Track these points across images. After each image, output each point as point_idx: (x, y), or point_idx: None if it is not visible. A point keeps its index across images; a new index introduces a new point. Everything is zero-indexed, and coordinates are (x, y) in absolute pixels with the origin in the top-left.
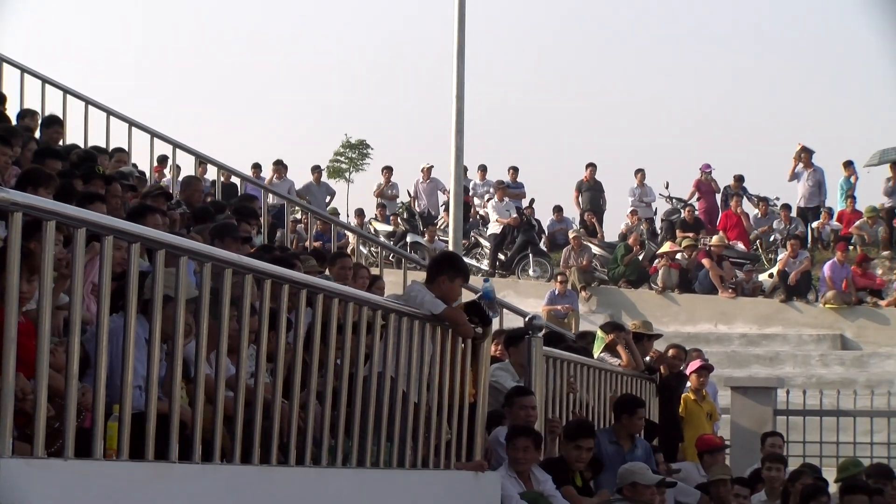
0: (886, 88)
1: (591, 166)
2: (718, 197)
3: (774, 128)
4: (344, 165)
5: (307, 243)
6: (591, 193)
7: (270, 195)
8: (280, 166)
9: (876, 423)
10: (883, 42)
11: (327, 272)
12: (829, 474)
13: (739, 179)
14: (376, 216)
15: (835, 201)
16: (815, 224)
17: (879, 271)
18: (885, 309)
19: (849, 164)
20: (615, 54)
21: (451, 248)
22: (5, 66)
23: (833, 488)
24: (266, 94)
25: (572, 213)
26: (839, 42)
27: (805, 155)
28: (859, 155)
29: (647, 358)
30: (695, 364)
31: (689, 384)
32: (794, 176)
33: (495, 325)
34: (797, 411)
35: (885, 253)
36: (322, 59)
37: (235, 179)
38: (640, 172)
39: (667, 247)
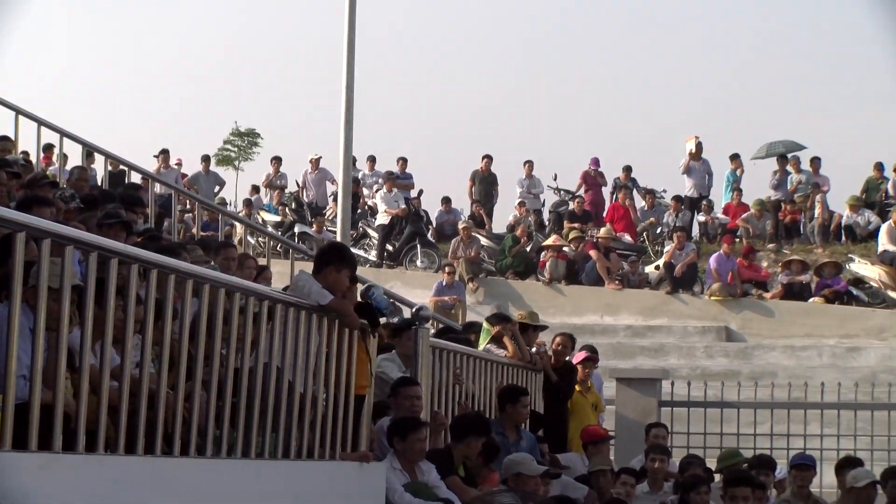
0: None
1: (487, 158)
2: (606, 189)
3: (661, 120)
4: (233, 154)
5: (194, 232)
6: (485, 185)
7: (158, 184)
8: (167, 155)
9: (759, 415)
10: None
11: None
12: (713, 465)
13: (628, 170)
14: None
15: (720, 194)
16: (701, 217)
17: (765, 264)
18: (770, 301)
19: (735, 157)
20: (503, 46)
21: (338, 238)
22: None
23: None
24: (155, 81)
25: (461, 204)
26: (724, 36)
27: (697, 148)
28: (744, 148)
29: (534, 349)
30: (580, 355)
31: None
32: (688, 169)
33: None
34: (682, 402)
35: (771, 246)
36: (211, 46)
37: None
38: (528, 164)
39: (551, 240)
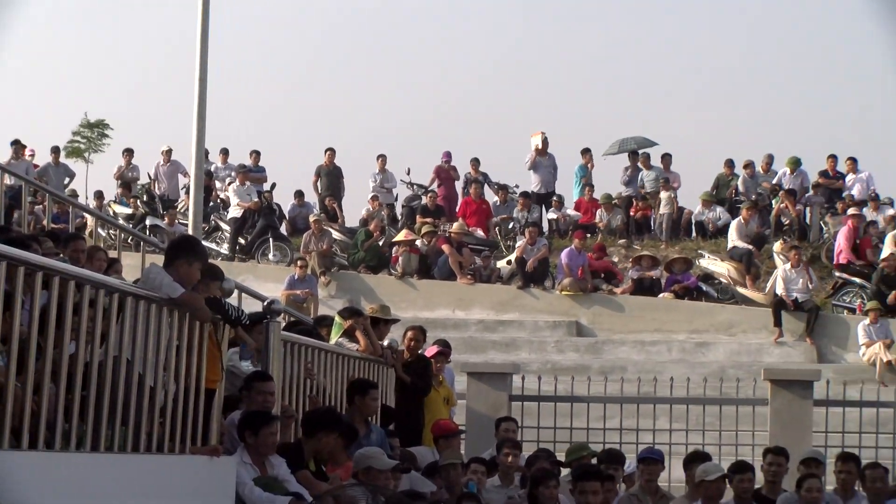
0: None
1: (331, 151)
2: (459, 184)
3: (513, 115)
4: (82, 146)
5: (45, 224)
6: (331, 178)
7: (8, 175)
8: (19, 146)
9: (609, 409)
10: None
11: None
12: (563, 459)
13: (476, 163)
14: (115, 198)
15: (570, 188)
16: (552, 213)
17: (616, 259)
18: (620, 296)
19: (586, 152)
20: (356, 40)
21: (190, 231)
22: None
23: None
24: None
25: (313, 197)
26: (576, 31)
27: (543, 143)
28: (595, 144)
29: (386, 342)
30: (432, 349)
31: None
32: (534, 165)
33: None
34: (532, 397)
35: (622, 241)
36: (61, 34)
37: None
38: (381, 158)
39: (402, 235)
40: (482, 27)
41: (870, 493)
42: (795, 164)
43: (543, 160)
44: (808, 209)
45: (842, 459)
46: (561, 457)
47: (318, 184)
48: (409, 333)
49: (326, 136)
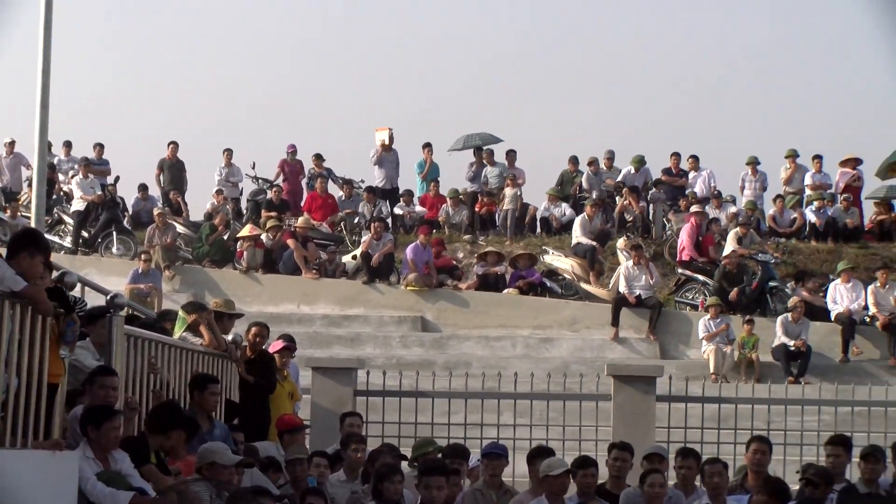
0: (468, 74)
1: (174, 144)
2: (304, 179)
3: (357, 110)
4: None
5: None
6: (174, 172)
7: None
8: None
9: (454, 404)
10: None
11: None
12: (408, 454)
13: (319, 158)
14: None
15: (414, 183)
16: (398, 208)
17: (461, 255)
18: (465, 292)
19: (426, 146)
20: (200, 32)
21: (33, 224)
22: None
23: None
24: None
25: (156, 191)
26: (421, 27)
27: (389, 139)
28: (440, 140)
29: (230, 337)
30: (277, 344)
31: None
32: (379, 160)
33: None
34: (377, 392)
35: (467, 237)
36: None
37: None
38: (227, 152)
39: (247, 230)
40: (327, 21)
41: (709, 487)
42: (640, 162)
43: (388, 156)
44: (651, 206)
45: (681, 455)
46: (406, 451)
47: (161, 177)
48: (253, 329)
49: (170, 129)
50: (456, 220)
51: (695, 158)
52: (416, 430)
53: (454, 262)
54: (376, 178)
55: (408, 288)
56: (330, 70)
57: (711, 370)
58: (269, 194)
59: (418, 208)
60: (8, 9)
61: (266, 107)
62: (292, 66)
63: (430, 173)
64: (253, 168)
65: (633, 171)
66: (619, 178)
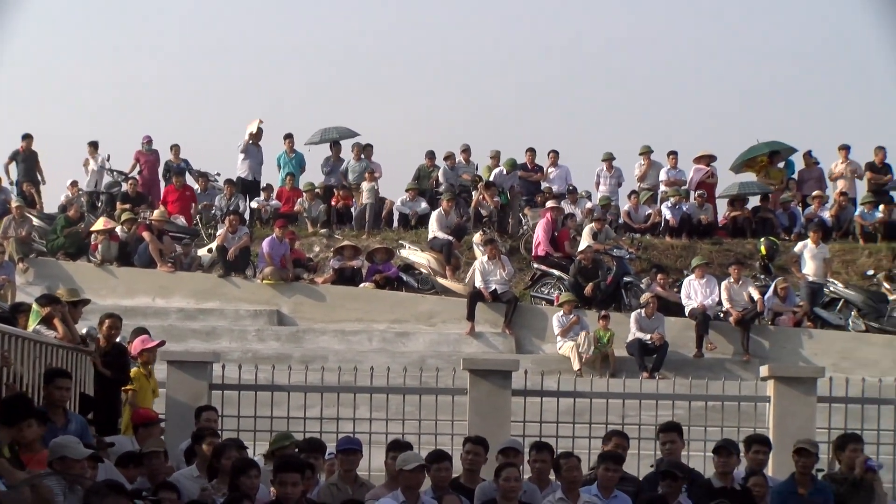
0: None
1: (28, 137)
2: (160, 171)
3: (218, 102)
4: None
5: None
6: (28, 164)
7: None
8: None
9: (310, 398)
10: None
11: None
12: (263, 448)
13: (176, 149)
14: None
15: (274, 176)
16: (254, 202)
17: (317, 249)
18: (321, 286)
19: (288, 137)
20: (56, 23)
21: None
22: None
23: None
24: None
25: (7, 183)
26: (281, 22)
27: (258, 131)
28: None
29: (84, 330)
30: (150, 342)
31: (138, 359)
32: (246, 151)
33: None
34: (232, 385)
35: (323, 231)
36: None
37: None
38: (92, 145)
39: (101, 223)
40: (185, 14)
41: (564, 481)
42: (513, 165)
43: (255, 148)
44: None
45: (536, 449)
46: (261, 445)
47: (13, 168)
48: (107, 321)
49: (26, 121)
50: (312, 213)
51: (554, 154)
52: (272, 424)
53: (308, 256)
54: (239, 169)
55: (264, 281)
56: (188, 62)
57: (576, 367)
58: (125, 186)
59: (273, 202)
60: None
61: (125, 98)
62: (150, 57)
63: (297, 162)
64: (108, 160)
65: (504, 172)
66: (491, 178)
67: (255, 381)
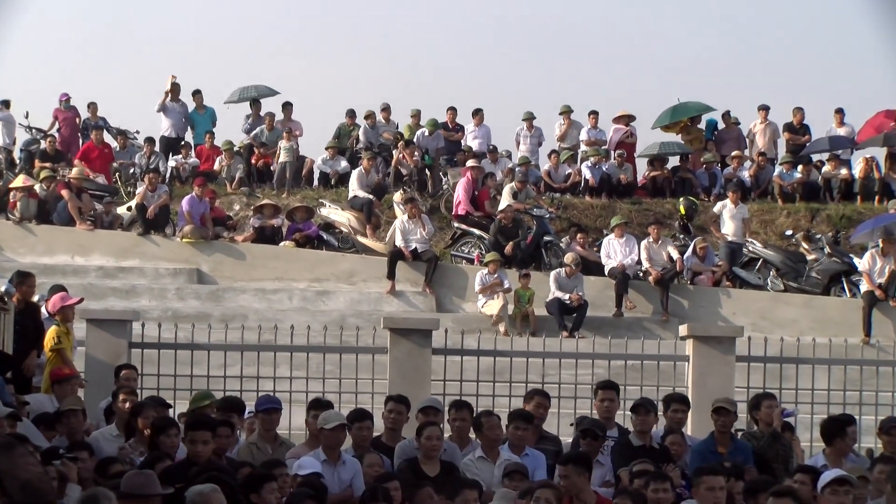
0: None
1: None
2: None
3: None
4: None
5: None
6: None
7: None
8: None
9: (230, 357)
10: None
11: None
12: (183, 406)
13: (94, 107)
14: None
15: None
16: (173, 160)
17: (237, 207)
18: (241, 245)
19: (197, 93)
20: None
21: None
22: None
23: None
24: None
25: None
26: None
27: (174, 88)
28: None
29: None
30: (69, 299)
31: (56, 317)
32: (163, 108)
33: None
34: (152, 344)
35: (243, 189)
36: None
37: None
38: (4, 103)
39: (20, 181)
40: None
41: (485, 440)
42: (434, 125)
43: (175, 105)
44: (421, 155)
45: (456, 407)
46: (181, 404)
47: None
48: (23, 279)
49: None
50: (232, 172)
51: (476, 113)
52: (192, 382)
53: (228, 215)
54: (163, 128)
55: (184, 240)
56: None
57: (502, 330)
58: (44, 144)
59: (192, 160)
60: None
61: (41, 54)
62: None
63: (209, 118)
64: (26, 117)
65: (427, 133)
66: (418, 139)
67: (174, 339)
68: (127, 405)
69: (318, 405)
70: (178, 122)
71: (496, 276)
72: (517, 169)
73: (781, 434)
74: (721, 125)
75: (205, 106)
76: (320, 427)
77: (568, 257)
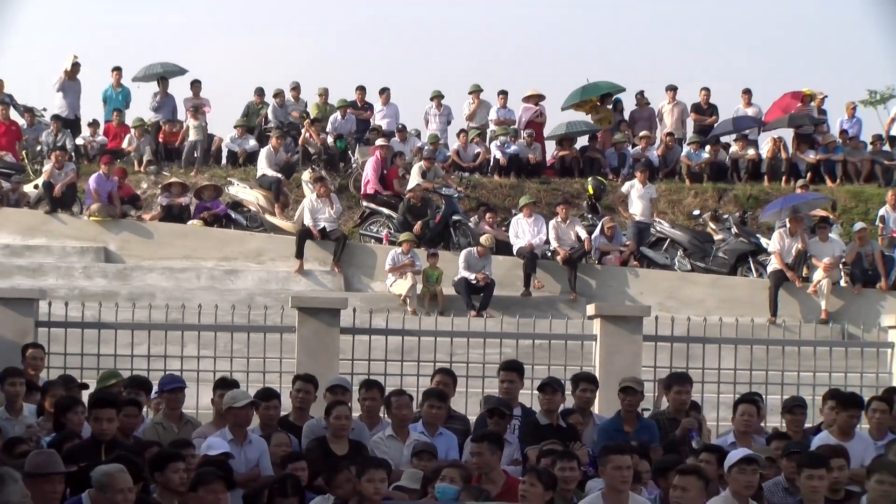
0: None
1: None
2: None
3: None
4: None
5: None
6: None
7: None
8: None
9: (137, 336)
10: None
11: None
12: (92, 385)
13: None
14: None
15: (100, 114)
16: (80, 138)
17: (145, 185)
18: (149, 223)
19: (116, 70)
20: None
21: None
22: None
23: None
24: None
25: None
26: None
27: (74, 67)
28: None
29: None
30: None
31: None
32: (63, 88)
33: None
34: (59, 323)
35: (151, 167)
36: None
37: None
38: None
39: None
40: None
41: (394, 419)
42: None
43: (73, 84)
44: (335, 139)
45: (366, 387)
46: (89, 382)
47: None
48: None
49: None
50: (140, 150)
51: (386, 91)
52: (99, 361)
53: (136, 193)
54: (58, 107)
55: (91, 218)
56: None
57: (410, 308)
58: None
59: (100, 138)
60: None
61: None
62: None
63: (123, 97)
64: None
65: (340, 118)
66: (333, 127)
67: (81, 318)
68: (16, 388)
69: (225, 384)
70: (73, 102)
71: (409, 256)
72: (426, 148)
73: (689, 414)
74: (634, 105)
75: (122, 84)
76: (227, 406)
77: (484, 238)
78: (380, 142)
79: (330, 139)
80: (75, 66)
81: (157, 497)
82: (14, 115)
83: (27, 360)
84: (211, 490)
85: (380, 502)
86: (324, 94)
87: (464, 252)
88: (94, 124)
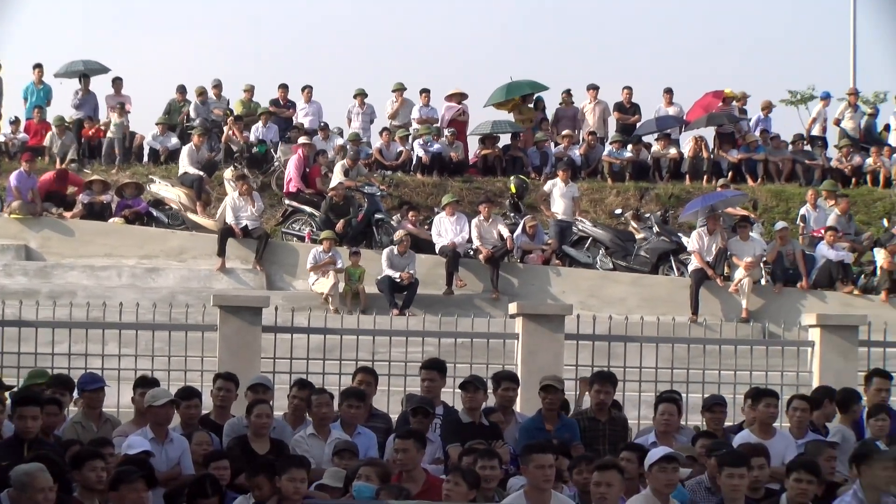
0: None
1: None
2: None
3: None
4: None
5: None
6: None
7: None
8: None
9: (58, 334)
10: None
11: None
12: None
13: None
14: None
15: (21, 109)
16: (1, 136)
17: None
18: (70, 221)
19: (38, 67)
20: None
21: None
22: None
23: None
24: None
25: None
26: None
27: None
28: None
29: None
30: None
31: None
32: None
33: None
34: None
35: (73, 165)
36: None
37: None
38: None
39: None
40: None
41: (315, 418)
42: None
43: None
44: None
45: (298, 386)
46: (8, 381)
47: None
48: None
49: None
50: (62, 147)
51: (309, 89)
52: (20, 360)
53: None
54: None
55: (11, 216)
56: None
57: (332, 306)
58: None
59: (21, 135)
60: None
61: None
62: None
63: (44, 94)
64: None
65: (262, 126)
66: (256, 136)
67: (2, 316)
68: None
69: (145, 382)
70: None
71: (330, 254)
72: (348, 146)
73: (619, 414)
74: (557, 104)
75: (43, 82)
76: (148, 404)
77: (398, 234)
78: (302, 140)
79: (252, 137)
80: None
81: (78, 496)
82: None
83: None
84: (132, 488)
85: (300, 501)
86: (249, 90)
87: (386, 251)
88: (15, 122)
